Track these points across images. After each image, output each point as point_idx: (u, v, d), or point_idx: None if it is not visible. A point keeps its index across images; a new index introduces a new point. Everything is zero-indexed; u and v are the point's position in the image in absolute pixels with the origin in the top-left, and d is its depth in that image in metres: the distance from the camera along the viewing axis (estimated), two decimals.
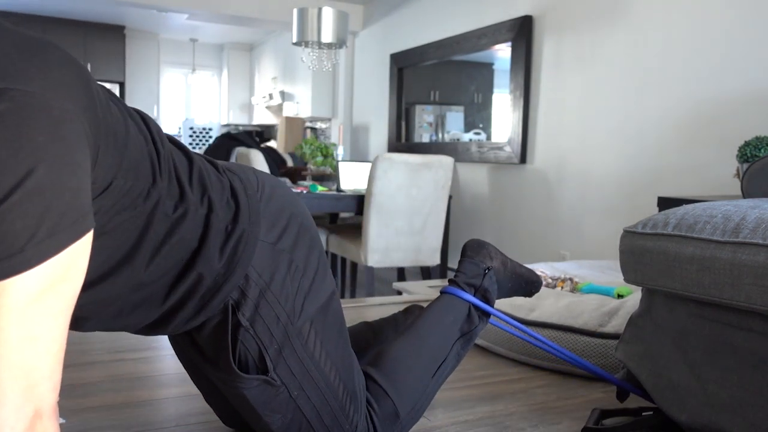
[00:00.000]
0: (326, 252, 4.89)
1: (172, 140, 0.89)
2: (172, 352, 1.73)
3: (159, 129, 0.85)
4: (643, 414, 1.35)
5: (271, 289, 0.93)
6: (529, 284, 1.42)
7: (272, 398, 0.95)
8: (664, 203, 2.16)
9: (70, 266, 0.61)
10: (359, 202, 3.48)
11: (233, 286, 0.89)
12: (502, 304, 1.92)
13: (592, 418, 1.32)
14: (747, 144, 2.14)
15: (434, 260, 3.58)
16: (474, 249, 1.34)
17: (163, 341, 1.86)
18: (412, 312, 1.46)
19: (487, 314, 1.27)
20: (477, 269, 1.29)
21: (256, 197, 0.94)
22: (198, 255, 0.86)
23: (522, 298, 1.91)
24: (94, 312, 0.84)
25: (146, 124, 0.82)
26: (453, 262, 4.67)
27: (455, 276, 1.30)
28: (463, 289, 1.26)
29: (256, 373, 0.93)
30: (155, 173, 0.79)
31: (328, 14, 3.97)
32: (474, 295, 1.26)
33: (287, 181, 3.75)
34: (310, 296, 0.97)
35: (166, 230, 0.81)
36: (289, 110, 7.04)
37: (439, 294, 1.28)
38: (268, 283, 0.92)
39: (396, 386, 1.09)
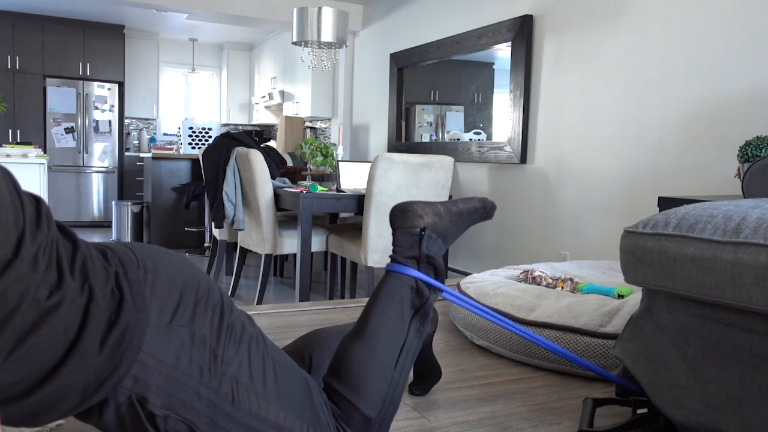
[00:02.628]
0: (326, 252, 4.88)
1: (61, 227, 0.84)
2: None
3: (50, 214, 0.79)
4: (638, 411, 1.35)
5: (179, 369, 0.87)
6: (474, 213, 1.33)
7: None
8: (665, 203, 2.16)
9: None
10: (359, 202, 3.48)
11: (118, 379, 0.83)
12: (503, 304, 1.91)
13: (586, 411, 1.32)
14: (748, 144, 2.14)
15: None
16: (399, 218, 1.27)
17: None
18: None
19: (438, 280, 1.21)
20: (410, 237, 1.23)
21: (138, 280, 0.87)
22: (73, 351, 0.77)
23: (522, 298, 1.91)
24: None
25: (38, 203, 0.77)
26: (453, 262, 4.67)
27: (393, 251, 1.24)
28: (405, 264, 1.20)
29: None
30: (21, 247, 0.71)
31: (328, 14, 3.97)
32: (418, 265, 1.20)
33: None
34: (225, 359, 0.93)
35: (34, 318, 0.73)
36: (289, 110, 7.04)
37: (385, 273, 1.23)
38: (174, 365, 0.87)
39: (358, 390, 1.06)
